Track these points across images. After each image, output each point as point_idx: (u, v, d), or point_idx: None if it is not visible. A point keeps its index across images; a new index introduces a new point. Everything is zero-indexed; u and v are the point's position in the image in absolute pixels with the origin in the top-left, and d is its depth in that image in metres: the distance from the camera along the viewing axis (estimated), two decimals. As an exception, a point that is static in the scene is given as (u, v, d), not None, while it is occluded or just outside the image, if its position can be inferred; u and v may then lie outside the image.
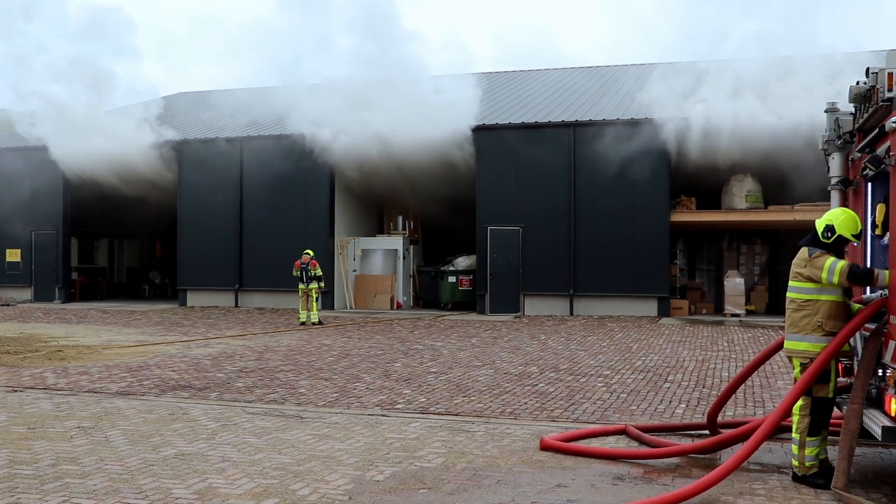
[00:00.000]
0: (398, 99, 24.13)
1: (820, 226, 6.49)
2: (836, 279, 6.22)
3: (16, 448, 7.43)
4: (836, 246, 6.47)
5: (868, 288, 6.69)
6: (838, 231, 6.39)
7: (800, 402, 6.40)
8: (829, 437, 6.56)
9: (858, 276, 6.18)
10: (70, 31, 29.11)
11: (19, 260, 29.26)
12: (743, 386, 8.95)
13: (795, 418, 6.42)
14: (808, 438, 6.35)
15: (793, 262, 6.60)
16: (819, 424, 6.35)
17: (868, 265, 6.86)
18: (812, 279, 6.37)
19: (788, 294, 6.58)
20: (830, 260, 6.26)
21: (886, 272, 6.11)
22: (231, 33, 69.90)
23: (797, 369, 6.50)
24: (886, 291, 6.12)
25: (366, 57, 26.20)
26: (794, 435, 6.44)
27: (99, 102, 28.05)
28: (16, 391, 10.59)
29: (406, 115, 23.54)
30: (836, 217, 6.48)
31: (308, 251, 21.41)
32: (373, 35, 26.42)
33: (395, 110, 23.88)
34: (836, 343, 6.19)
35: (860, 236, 6.58)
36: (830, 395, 6.36)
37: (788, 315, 6.54)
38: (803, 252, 6.50)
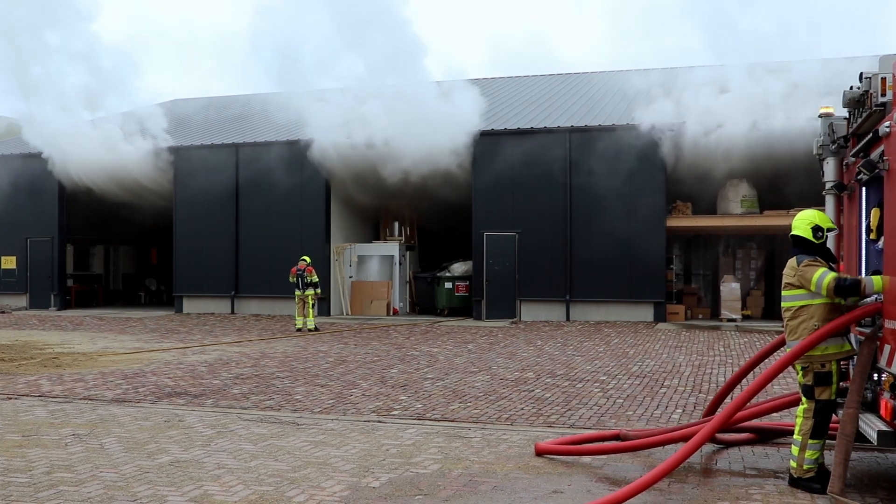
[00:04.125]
0: (395, 105, 24.14)
1: (805, 231, 6.55)
2: (823, 293, 6.29)
3: (10, 456, 7.41)
4: (825, 243, 6.60)
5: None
6: (825, 226, 6.57)
7: (804, 405, 6.45)
8: (826, 442, 6.58)
9: (845, 290, 6.23)
10: (67, 37, 29.14)
11: (14, 267, 29.20)
12: (738, 386, 8.94)
13: (799, 420, 6.46)
14: (810, 441, 6.37)
15: (783, 272, 6.67)
16: (823, 427, 6.38)
17: (863, 270, 6.89)
18: (802, 286, 6.43)
19: (783, 304, 6.65)
20: (818, 274, 6.31)
21: (873, 279, 6.16)
22: (228, 39, 69.94)
23: (800, 374, 6.52)
24: (881, 296, 6.14)
25: (363, 62, 26.28)
26: (795, 437, 6.46)
27: (95, 109, 28.08)
28: (11, 398, 10.56)
29: (403, 122, 23.55)
30: (812, 217, 6.60)
31: (305, 258, 21.38)
32: (371, 42, 26.47)
33: (392, 117, 23.89)
34: (817, 335, 6.24)
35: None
36: (833, 397, 6.39)
37: (786, 324, 6.60)
38: (792, 261, 6.57)
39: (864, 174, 6.34)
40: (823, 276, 6.27)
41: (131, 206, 29.32)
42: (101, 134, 27.14)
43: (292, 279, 21.01)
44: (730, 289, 22.75)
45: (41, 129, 27.31)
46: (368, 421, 9.18)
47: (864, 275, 6.84)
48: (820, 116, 7.47)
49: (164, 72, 75.40)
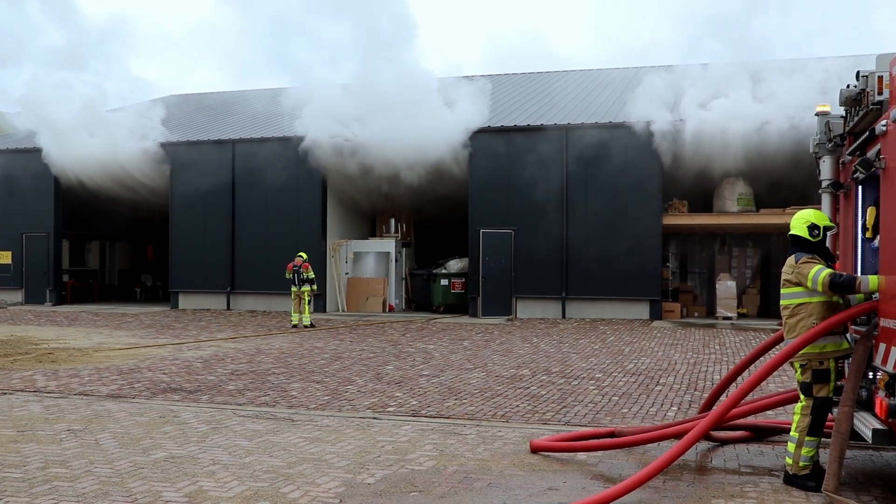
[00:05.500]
0: (391, 102, 24.08)
1: (802, 230, 6.57)
2: (819, 289, 6.31)
3: (5, 451, 7.39)
4: (824, 242, 6.60)
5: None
6: (821, 224, 6.58)
7: (802, 402, 6.47)
8: (821, 440, 6.59)
9: (840, 286, 6.26)
10: (63, 31, 29.11)
11: (10, 262, 29.13)
12: (734, 384, 8.94)
13: (796, 417, 6.48)
14: (807, 438, 6.39)
15: (782, 270, 6.68)
16: (820, 425, 6.40)
17: (859, 268, 6.90)
18: (801, 284, 6.44)
19: (781, 302, 6.67)
20: (814, 270, 6.34)
21: (869, 277, 6.17)
22: (226, 35, 69.80)
23: (798, 372, 6.54)
24: (877, 295, 6.15)
25: (361, 60, 26.20)
26: (792, 433, 6.48)
27: (91, 104, 27.94)
28: (5, 394, 10.54)
29: (399, 119, 23.51)
30: (810, 215, 6.62)
31: (301, 254, 21.35)
32: (368, 39, 26.44)
33: (388, 113, 23.84)
34: (812, 333, 6.25)
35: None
36: (830, 394, 6.41)
37: (784, 322, 6.63)
38: (791, 259, 6.60)
39: (861, 173, 6.34)
40: (819, 272, 6.30)
41: (127, 201, 29.25)
42: (98, 129, 27.03)
43: (288, 275, 20.99)
44: (725, 287, 22.78)
45: (37, 124, 27.21)
46: (364, 417, 9.18)
47: (860, 273, 6.85)
48: (817, 114, 7.47)
49: (152, 63, 75.16)
